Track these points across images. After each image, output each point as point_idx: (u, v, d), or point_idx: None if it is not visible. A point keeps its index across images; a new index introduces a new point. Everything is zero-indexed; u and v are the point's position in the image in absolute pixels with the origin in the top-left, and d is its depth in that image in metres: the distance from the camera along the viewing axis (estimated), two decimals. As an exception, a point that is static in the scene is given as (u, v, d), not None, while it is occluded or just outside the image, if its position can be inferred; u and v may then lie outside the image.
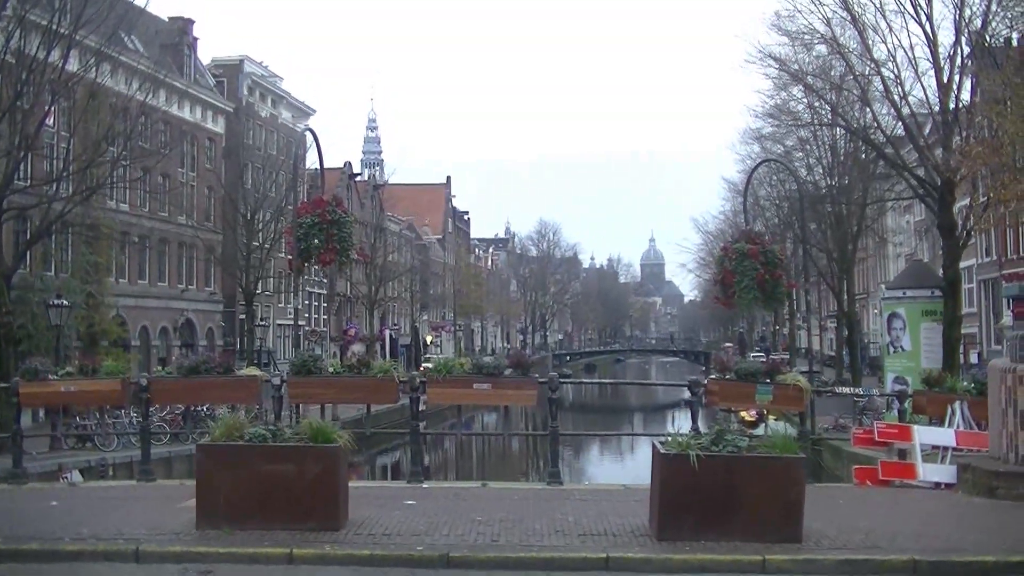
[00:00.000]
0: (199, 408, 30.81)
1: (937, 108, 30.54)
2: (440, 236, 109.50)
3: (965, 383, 16.89)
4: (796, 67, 35.62)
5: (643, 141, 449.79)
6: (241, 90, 62.76)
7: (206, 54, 63.26)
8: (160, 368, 24.21)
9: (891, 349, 30.67)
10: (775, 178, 55.43)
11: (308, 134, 18.88)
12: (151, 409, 16.20)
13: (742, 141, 56.24)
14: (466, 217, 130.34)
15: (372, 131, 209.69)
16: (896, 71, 31.27)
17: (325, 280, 73.29)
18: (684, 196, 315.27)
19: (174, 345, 52.99)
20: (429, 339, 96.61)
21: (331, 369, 14.88)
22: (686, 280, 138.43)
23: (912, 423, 15.98)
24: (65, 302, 33.06)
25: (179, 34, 56.11)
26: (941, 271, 31.60)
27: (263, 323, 61.85)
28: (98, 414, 30.90)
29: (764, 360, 16.41)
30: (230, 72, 62.60)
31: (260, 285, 55.49)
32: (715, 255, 19.19)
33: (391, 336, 79.63)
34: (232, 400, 17.95)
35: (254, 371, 15.95)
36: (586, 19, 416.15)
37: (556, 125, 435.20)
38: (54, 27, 30.33)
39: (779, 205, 58.36)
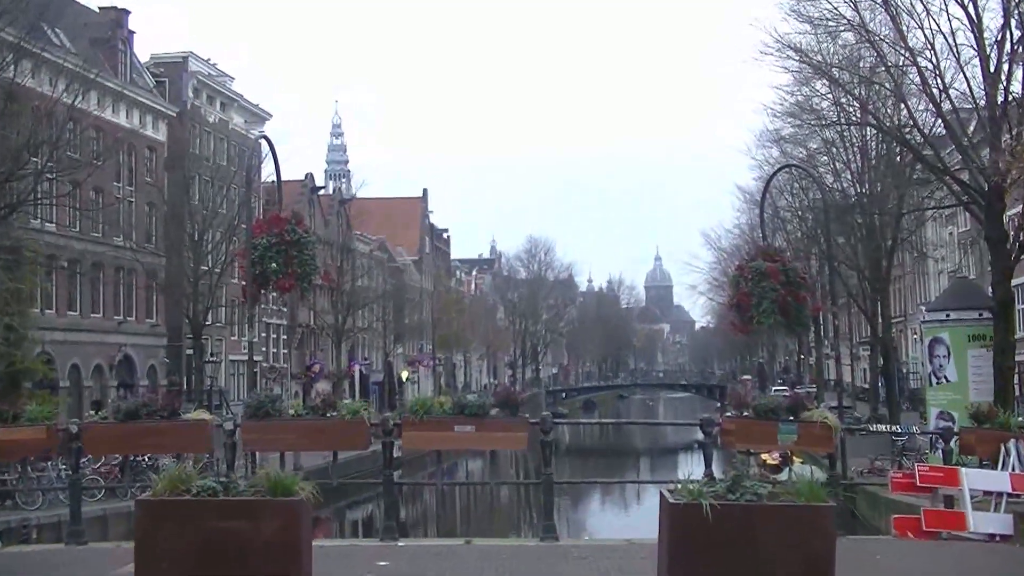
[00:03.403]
0: (139, 458, 30.65)
1: (983, 102, 30.55)
2: (416, 257, 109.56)
3: (1021, 419, 16.88)
4: (819, 58, 35.86)
5: (645, 147, 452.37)
6: (185, 91, 62.88)
7: (144, 51, 63.47)
8: (94, 412, 24.09)
9: (934, 380, 30.72)
10: (797, 186, 55.67)
11: (263, 142, 18.92)
12: (83, 460, 16.15)
13: (759, 144, 56.51)
14: (445, 235, 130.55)
15: (337, 138, 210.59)
16: (935, 61, 31.42)
17: (285, 309, 73.21)
18: (693, 208, 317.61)
19: (110, 386, 52.84)
20: (405, 375, 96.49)
21: (292, 411, 14.81)
22: (697, 304, 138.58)
23: (960, 465, 15.98)
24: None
25: (112, 27, 56.21)
26: (990, 289, 31.58)
27: (214, 359, 61.67)
28: (20, 467, 30.69)
29: (787, 394, 16.39)
30: (172, 71, 62.73)
31: (210, 316, 55.38)
32: (729, 275, 19.24)
33: (361, 372, 79.55)
34: (178, 449, 17.85)
35: (203, 415, 15.87)
36: (575, 9, 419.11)
37: (546, 131, 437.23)
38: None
39: (802, 217, 58.60)
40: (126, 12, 58.22)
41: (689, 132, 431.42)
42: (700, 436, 15.34)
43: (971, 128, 34.46)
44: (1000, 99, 29.95)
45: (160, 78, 61.65)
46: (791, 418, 14.97)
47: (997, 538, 14.30)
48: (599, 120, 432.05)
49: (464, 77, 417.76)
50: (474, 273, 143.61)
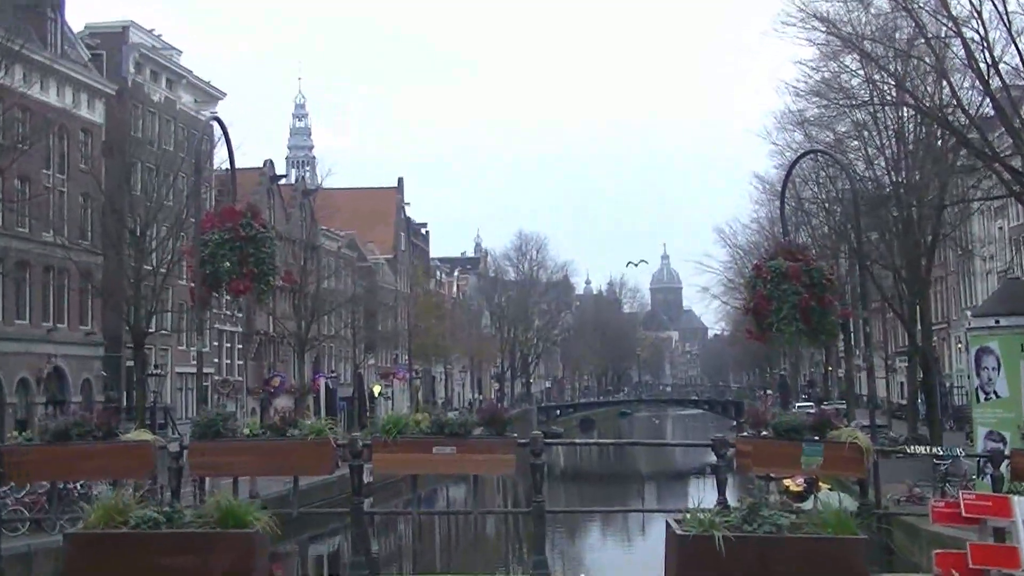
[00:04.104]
0: (70, 486, 30.52)
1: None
2: (390, 255, 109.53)
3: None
4: (849, 29, 35.97)
5: (649, 133, 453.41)
6: (126, 66, 62.73)
7: (78, 19, 63.39)
8: (17, 433, 23.95)
9: (981, 396, 30.74)
10: (823, 174, 55.79)
11: (215, 124, 18.85)
12: (5, 489, 16.08)
13: (779, 127, 56.63)
14: (424, 231, 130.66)
15: (300, 120, 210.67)
16: (982, 31, 31.56)
17: (240, 315, 72.94)
18: (705, 201, 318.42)
19: (37, 403, 52.64)
20: (377, 390, 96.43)
21: (247, 431, 14.77)
22: (709, 308, 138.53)
23: (1012, 493, 15.98)
24: None
25: (40, -9, 56.01)
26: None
27: (158, 372, 61.55)
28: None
29: (812, 412, 16.39)
30: (111, 43, 62.56)
31: (154, 322, 55.25)
32: (746, 276, 19.24)
33: (327, 386, 79.47)
34: (115, 474, 17.73)
35: (145, 435, 15.81)
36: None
37: (539, 115, 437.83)
38: None
39: (829, 209, 58.73)
40: (56, -26, 58.02)
41: (700, 115, 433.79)
42: (712, 459, 15.34)
43: None
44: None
45: (96, 51, 61.45)
46: (817, 438, 14.96)
47: (1053, 576, 14.27)
48: (597, 102, 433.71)
49: (446, 53, 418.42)
50: (456, 274, 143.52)
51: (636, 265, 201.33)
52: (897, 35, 35.90)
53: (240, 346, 74.65)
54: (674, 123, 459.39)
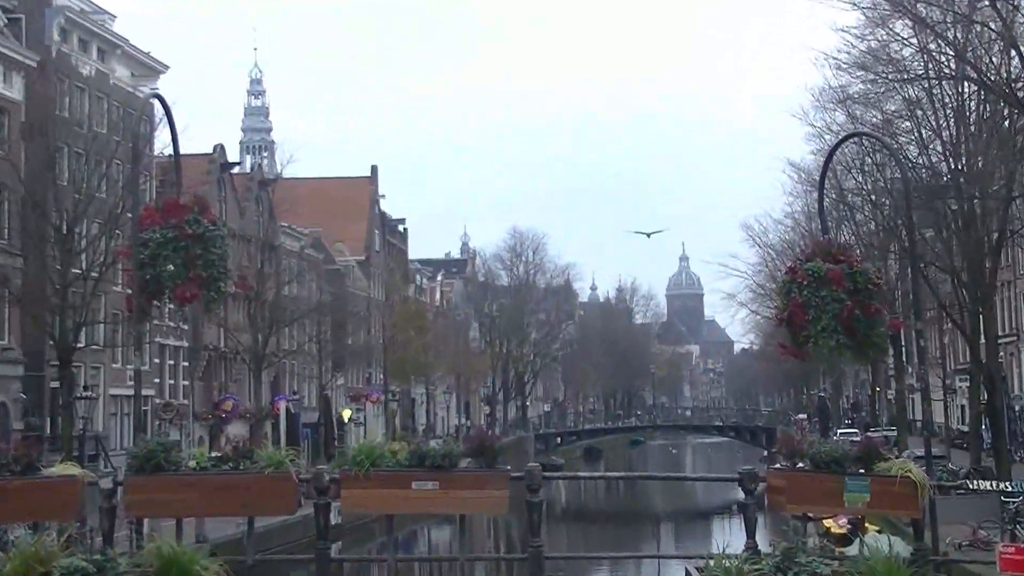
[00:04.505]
0: (-15, 529, 30.56)
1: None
2: (362, 256, 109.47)
3: None
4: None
5: (664, 115, 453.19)
6: (49, 33, 62.60)
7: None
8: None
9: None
10: (869, 161, 55.80)
11: (156, 102, 18.88)
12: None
13: (817, 106, 56.56)
14: (402, 228, 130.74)
15: (256, 98, 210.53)
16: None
17: (185, 327, 72.95)
18: (730, 194, 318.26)
19: (-54, 430, 52.59)
20: (347, 414, 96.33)
21: (194, 463, 14.91)
22: (736, 318, 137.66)
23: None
24: None
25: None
26: None
27: (88, 394, 61.24)
28: None
29: (857, 439, 16.44)
30: (31, 6, 62.47)
31: (84, 336, 55.14)
32: (778, 280, 19.28)
33: (289, 411, 79.23)
34: (36, 516, 17.76)
35: (72, 469, 15.81)
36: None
37: (535, 98, 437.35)
38: None
39: (876, 202, 58.74)
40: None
41: (723, 96, 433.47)
42: (740, 495, 15.37)
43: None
44: None
45: (13, 15, 61.35)
46: (862, 471, 15.00)
47: None
48: (604, 82, 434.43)
49: (430, 21, 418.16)
50: (440, 278, 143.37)
51: (648, 236, 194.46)
52: (957, -3, 36.02)
53: (186, 364, 74.50)
54: (693, 105, 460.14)
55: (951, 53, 38.18)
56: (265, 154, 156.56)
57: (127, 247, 16.86)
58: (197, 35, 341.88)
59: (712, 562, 10.95)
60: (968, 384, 62.13)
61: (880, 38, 41.30)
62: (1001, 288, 60.41)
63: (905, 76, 42.85)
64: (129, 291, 16.90)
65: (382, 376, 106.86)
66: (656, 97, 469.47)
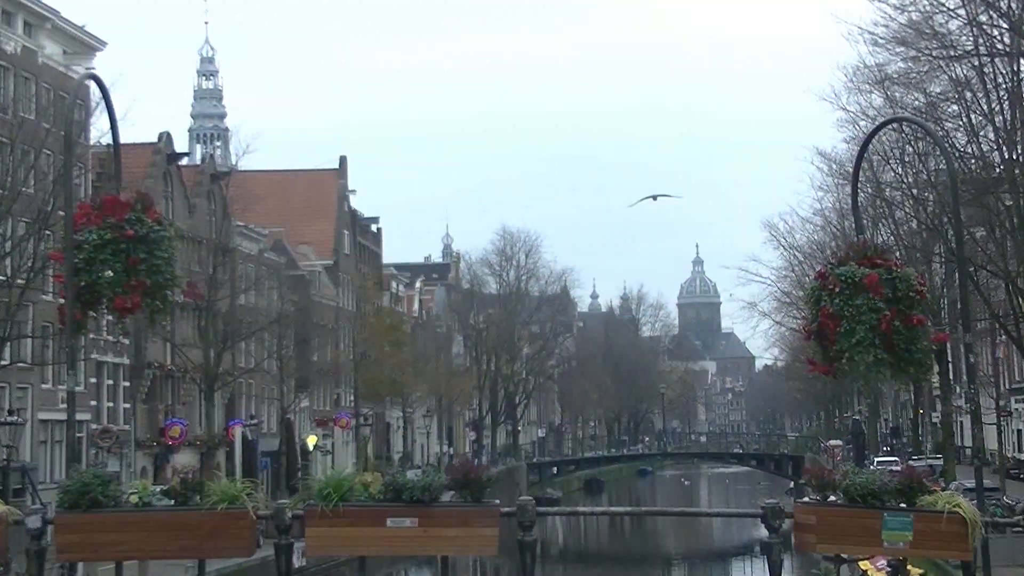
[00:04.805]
0: None
1: None
2: (330, 260, 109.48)
3: None
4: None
5: (676, 102, 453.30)
6: (-35, 4, 62.63)
7: None
8: None
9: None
10: (911, 149, 55.76)
11: (92, 84, 18.76)
12: None
13: (851, 87, 56.44)
14: (375, 228, 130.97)
15: (208, 79, 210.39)
16: None
17: (126, 342, 72.77)
18: (750, 188, 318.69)
19: None
20: (313, 441, 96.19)
21: (136, 499, 14.84)
22: (757, 330, 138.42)
23: None
24: None
25: None
26: None
27: (13, 419, 61.20)
28: None
29: (898, 469, 16.36)
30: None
31: (7, 351, 55.03)
32: (807, 287, 19.21)
33: (245, 437, 79.11)
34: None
35: (-6, 505, 15.72)
36: None
37: (530, 82, 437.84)
38: None
39: (918, 197, 58.70)
40: None
41: (741, 72, 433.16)
42: (763, 534, 15.31)
43: None
44: None
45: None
46: (904, 506, 14.92)
47: None
48: (607, 61, 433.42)
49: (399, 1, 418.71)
50: (419, 285, 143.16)
51: (655, 199, 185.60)
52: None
53: (127, 384, 74.24)
54: (709, 87, 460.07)
55: (1005, 26, 38.16)
56: (218, 143, 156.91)
57: (59, 250, 16.72)
58: (140, 7, 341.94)
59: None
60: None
61: (923, 9, 41.33)
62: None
63: (952, 53, 42.81)
64: (61, 300, 16.75)
65: (352, 398, 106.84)
66: (663, 78, 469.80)
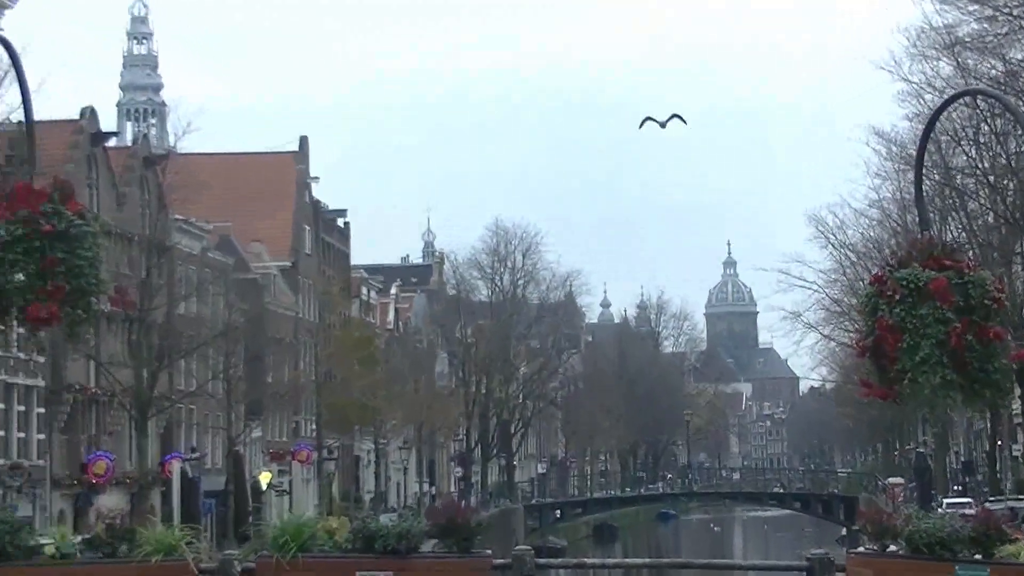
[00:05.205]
0: None
1: None
2: (288, 261, 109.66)
3: None
4: None
5: (696, 76, 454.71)
6: None
7: None
8: None
9: None
10: (987, 128, 55.62)
11: (-1, 48, 18.62)
12: None
13: (913, 54, 56.31)
14: (342, 222, 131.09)
15: (141, 43, 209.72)
16: None
17: (42, 359, 72.64)
18: (792, 177, 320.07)
19: None
20: (266, 479, 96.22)
21: (53, 549, 14.75)
22: (801, 345, 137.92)
23: None
24: None
25: None
26: None
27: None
28: None
29: (971, 513, 16.23)
30: None
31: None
32: (860, 293, 19.07)
33: (186, 474, 79.11)
34: None
35: None
36: None
37: (527, 59, 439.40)
38: None
39: (994, 185, 58.62)
40: None
41: (779, 37, 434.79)
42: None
43: None
44: None
45: None
46: (979, 557, 14.82)
47: None
48: (617, 33, 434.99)
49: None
50: (395, 291, 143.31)
51: (663, 125, 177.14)
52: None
53: (41, 410, 74.16)
54: (742, 61, 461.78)
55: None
56: (153, 121, 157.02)
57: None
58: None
59: None
60: None
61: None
62: None
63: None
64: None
65: (314, 426, 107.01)
66: (694, 51, 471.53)
